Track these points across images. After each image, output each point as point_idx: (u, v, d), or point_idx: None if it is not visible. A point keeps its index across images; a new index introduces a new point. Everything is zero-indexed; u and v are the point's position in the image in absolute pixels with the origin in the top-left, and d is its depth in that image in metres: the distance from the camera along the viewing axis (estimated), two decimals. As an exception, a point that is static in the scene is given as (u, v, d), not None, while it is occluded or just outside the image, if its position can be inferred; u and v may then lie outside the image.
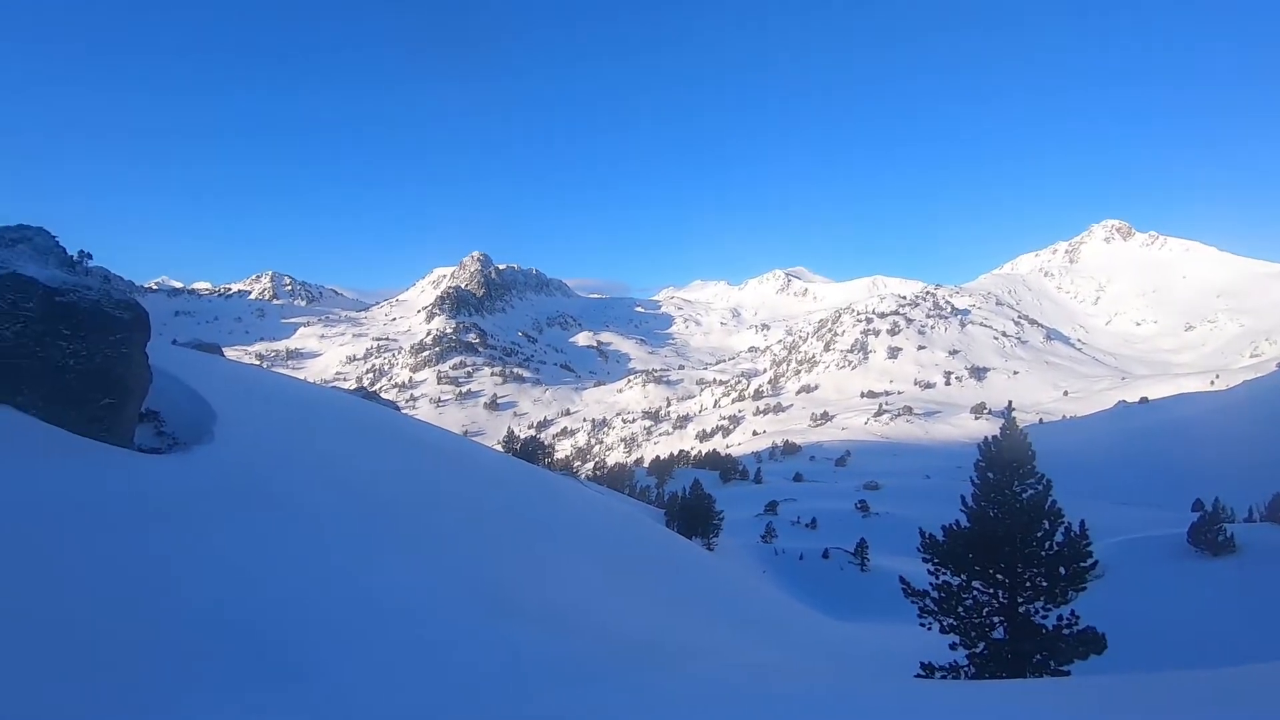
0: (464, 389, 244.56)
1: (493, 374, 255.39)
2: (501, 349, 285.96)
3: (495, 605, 9.39)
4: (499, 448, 57.63)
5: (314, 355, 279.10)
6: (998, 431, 13.81)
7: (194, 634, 5.49)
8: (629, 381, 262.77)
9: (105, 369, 8.94)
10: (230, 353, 26.10)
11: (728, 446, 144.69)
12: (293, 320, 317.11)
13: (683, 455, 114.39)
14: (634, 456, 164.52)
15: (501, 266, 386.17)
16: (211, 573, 6.63)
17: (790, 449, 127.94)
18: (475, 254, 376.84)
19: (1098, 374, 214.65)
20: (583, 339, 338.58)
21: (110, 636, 5.04)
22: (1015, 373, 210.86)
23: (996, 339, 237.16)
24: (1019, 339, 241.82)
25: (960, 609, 13.16)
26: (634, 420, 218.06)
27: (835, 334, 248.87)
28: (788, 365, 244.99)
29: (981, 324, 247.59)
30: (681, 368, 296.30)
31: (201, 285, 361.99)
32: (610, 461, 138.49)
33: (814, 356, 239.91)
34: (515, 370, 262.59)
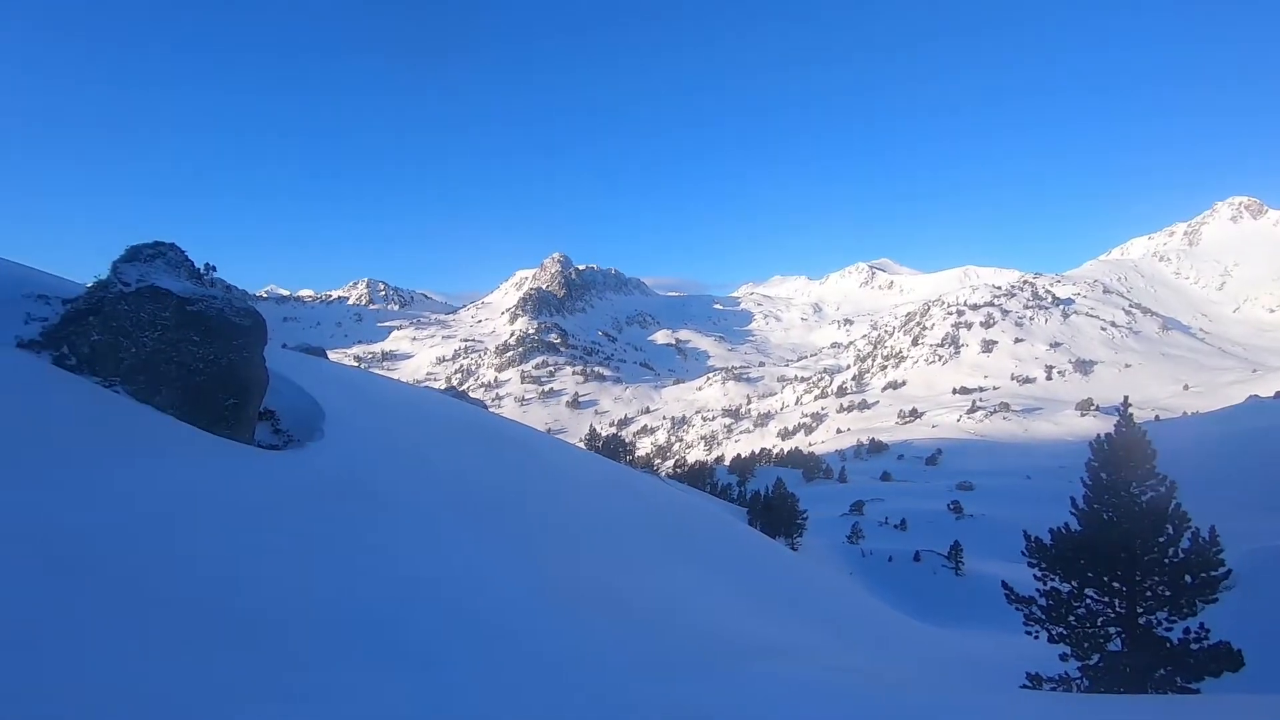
0: (546, 388, 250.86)
1: (574, 373, 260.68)
2: (582, 348, 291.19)
3: (583, 601, 9.56)
4: (582, 445, 58.65)
5: (406, 357, 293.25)
6: (1110, 429, 12.85)
7: (338, 620, 6.02)
8: (708, 379, 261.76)
9: (230, 371, 9.73)
10: (332, 355, 27.75)
11: (810, 445, 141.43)
12: (387, 324, 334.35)
13: (764, 453, 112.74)
14: (714, 454, 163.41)
15: (581, 267, 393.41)
16: (342, 566, 7.14)
17: (877, 447, 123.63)
18: (555, 255, 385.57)
19: (1224, 366, 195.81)
20: (661, 337, 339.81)
21: (271, 623, 5.58)
22: (1126, 366, 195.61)
23: (1104, 330, 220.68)
24: (1130, 329, 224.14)
25: (1071, 618, 12.33)
26: (714, 418, 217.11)
27: (924, 327, 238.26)
28: (873, 361, 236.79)
29: (1087, 314, 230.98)
30: (762, 365, 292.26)
31: (305, 292, 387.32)
32: (690, 459, 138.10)
33: (901, 351, 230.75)
34: (596, 369, 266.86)
